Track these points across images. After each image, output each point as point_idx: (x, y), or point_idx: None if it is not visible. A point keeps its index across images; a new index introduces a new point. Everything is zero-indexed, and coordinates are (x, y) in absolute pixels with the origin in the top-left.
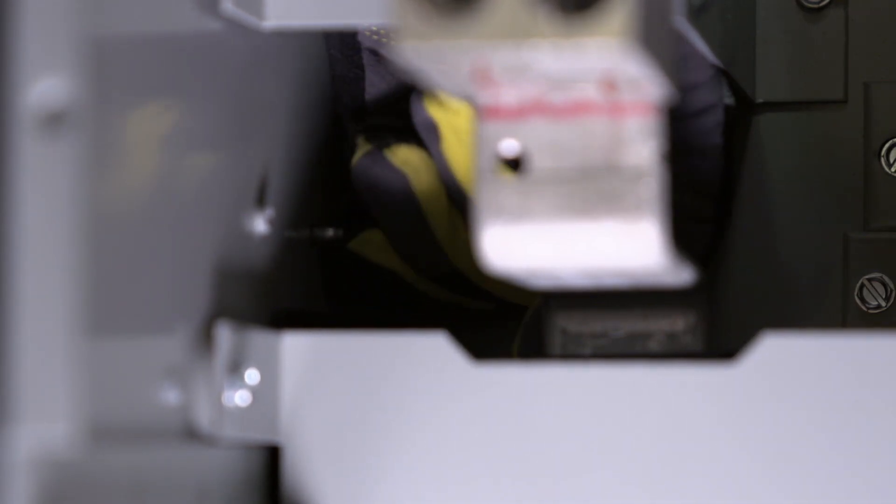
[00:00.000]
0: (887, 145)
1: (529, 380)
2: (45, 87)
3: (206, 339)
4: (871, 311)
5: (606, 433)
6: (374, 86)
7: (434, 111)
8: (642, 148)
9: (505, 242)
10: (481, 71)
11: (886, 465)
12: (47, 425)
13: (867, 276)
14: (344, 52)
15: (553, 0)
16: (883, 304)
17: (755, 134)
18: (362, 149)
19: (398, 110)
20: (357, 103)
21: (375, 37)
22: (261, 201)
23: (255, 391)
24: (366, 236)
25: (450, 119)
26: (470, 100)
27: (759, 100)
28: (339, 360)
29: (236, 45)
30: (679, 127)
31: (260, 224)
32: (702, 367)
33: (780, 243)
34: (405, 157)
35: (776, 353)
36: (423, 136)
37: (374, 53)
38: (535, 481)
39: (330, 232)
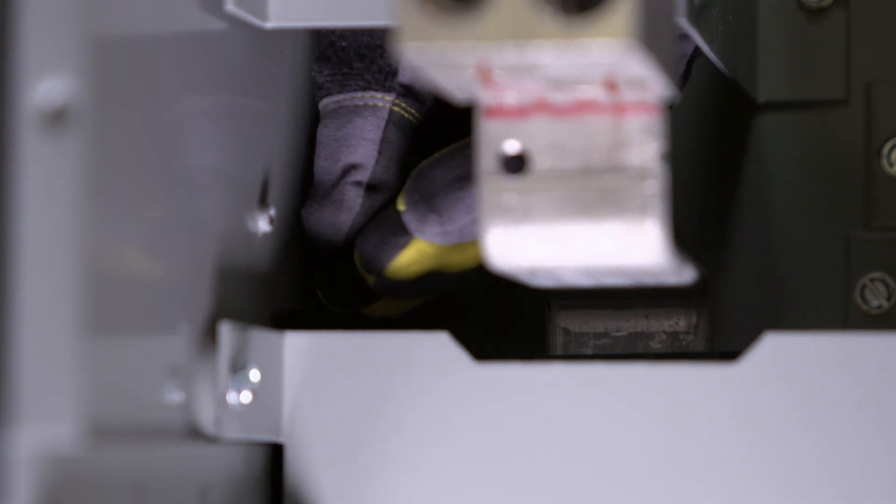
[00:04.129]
0: (888, 145)
1: (531, 379)
2: (48, 86)
3: (208, 338)
4: (872, 312)
5: (608, 433)
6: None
7: (413, 270)
8: (644, 148)
9: (507, 242)
10: (484, 71)
11: (887, 465)
12: (50, 425)
13: (869, 276)
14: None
15: (555, 1)
16: (885, 304)
17: (756, 134)
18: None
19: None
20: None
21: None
22: (263, 201)
23: (257, 390)
24: (375, 305)
25: (432, 263)
26: (472, 100)
27: (761, 100)
28: (340, 360)
29: (239, 45)
30: None
31: (262, 223)
32: (704, 366)
33: (781, 243)
34: (407, 262)
35: (778, 352)
36: (424, 287)
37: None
38: (537, 481)
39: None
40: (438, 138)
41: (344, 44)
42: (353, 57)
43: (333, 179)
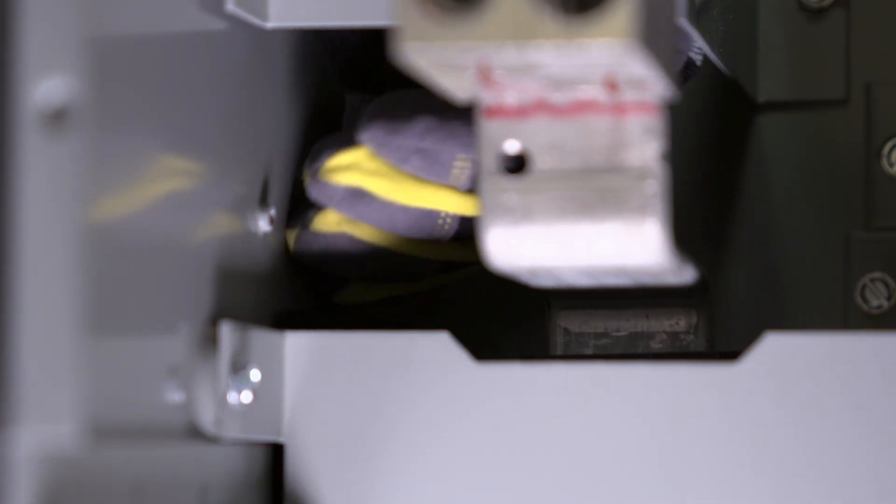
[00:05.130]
0: (889, 145)
1: (532, 379)
2: (48, 86)
3: (208, 338)
4: (872, 312)
5: (609, 433)
6: None
7: (343, 178)
8: (645, 148)
9: (508, 242)
10: (484, 71)
11: (887, 465)
12: (50, 425)
13: (869, 276)
14: None
15: (556, 1)
16: (885, 304)
17: (756, 134)
18: (290, 235)
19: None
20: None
21: None
22: (263, 201)
23: (257, 390)
24: (319, 217)
25: (363, 177)
26: (472, 100)
27: (761, 100)
28: (341, 360)
29: (239, 45)
30: None
31: (262, 223)
32: (704, 366)
33: (781, 243)
34: (341, 164)
35: (778, 352)
36: (351, 208)
37: None
38: (537, 481)
39: None
40: None
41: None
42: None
43: None
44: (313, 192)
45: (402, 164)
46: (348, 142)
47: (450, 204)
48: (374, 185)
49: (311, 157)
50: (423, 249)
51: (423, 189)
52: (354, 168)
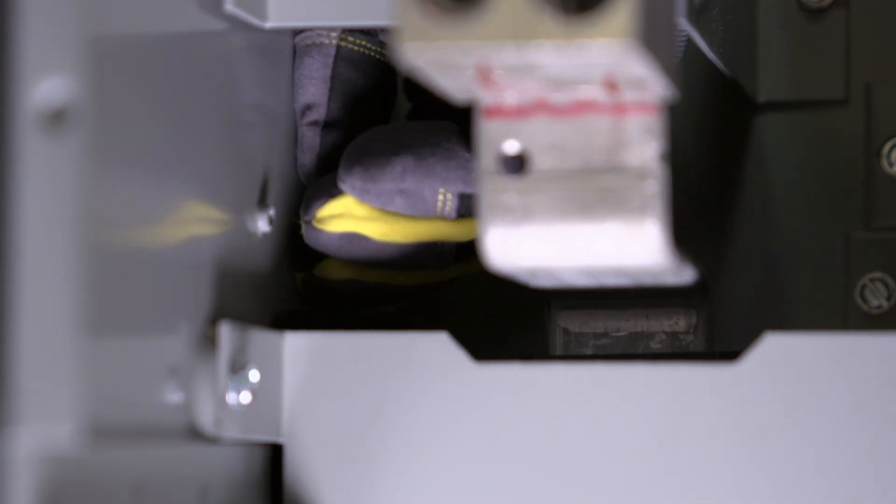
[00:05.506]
0: (888, 145)
1: (531, 380)
2: (48, 86)
3: (208, 338)
4: (872, 312)
5: (608, 433)
6: None
7: (337, 226)
8: (644, 148)
9: (507, 242)
10: (484, 71)
11: (887, 465)
12: (50, 425)
13: (869, 276)
14: None
15: (555, 1)
16: (885, 304)
17: (756, 134)
18: (297, 277)
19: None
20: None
21: None
22: (262, 201)
23: (256, 391)
24: (324, 264)
25: (356, 223)
26: (472, 100)
27: (761, 100)
28: (340, 360)
29: (238, 45)
30: None
31: (262, 223)
32: (704, 366)
33: (781, 243)
34: (332, 213)
35: (778, 353)
36: (349, 253)
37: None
38: (537, 481)
39: None
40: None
41: None
42: None
43: (297, 122)
44: (310, 240)
45: (387, 207)
46: (335, 187)
47: (443, 234)
48: (368, 229)
49: (304, 206)
50: (425, 277)
51: (415, 225)
52: (346, 216)
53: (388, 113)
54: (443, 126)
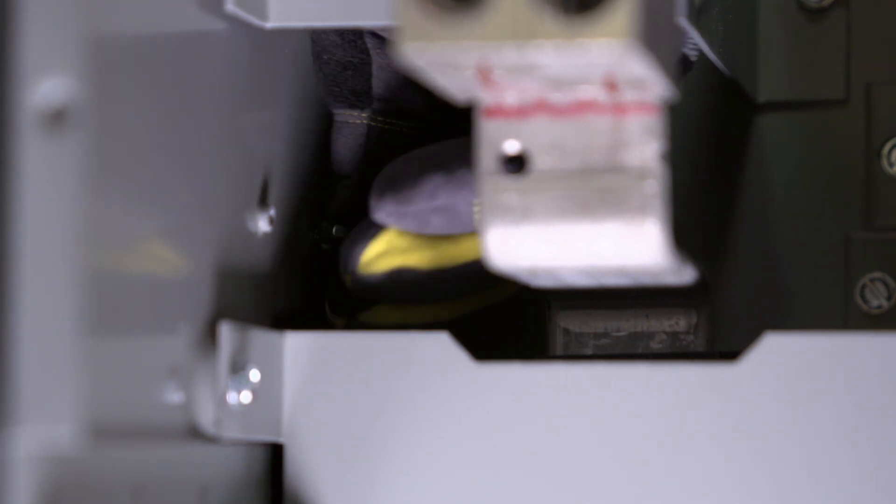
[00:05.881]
0: (888, 145)
1: (531, 379)
2: (48, 86)
3: (208, 338)
4: (872, 312)
5: (608, 433)
6: (382, 69)
7: (382, 265)
8: (644, 148)
9: (508, 242)
10: (484, 71)
11: (887, 465)
12: (50, 425)
13: (869, 276)
14: (345, 37)
15: (556, 1)
16: (885, 304)
17: (756, 134)
18: (337, 322)
19: (407, 94)
20: (363, 88)
21: None
22: (263, 201)
23: (257, 390)
24: (371, 311)
25: (401, 257)
26: (472, 100)
27: (761, 100)
28: (340, 360)
29: (239, 45)
30: None
31: (262, 223)
32: (704, 366)
33: (781, 243)
34: (375, 253)
35: (778, 352)
36: (394, 297)
37: (378, 37)
38: (537, 481)
39: (332, 230)
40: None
41: (326, 57)
42: (337, 70)
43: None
44: (358, 291)
45: (424, 229)
46: (370, 229)
47: None
48: (413, 258)
49: (344, 261)
50: (470, 305)
51: (458, 246)
52: (390, 252)
53: None
54: (463, 140)
